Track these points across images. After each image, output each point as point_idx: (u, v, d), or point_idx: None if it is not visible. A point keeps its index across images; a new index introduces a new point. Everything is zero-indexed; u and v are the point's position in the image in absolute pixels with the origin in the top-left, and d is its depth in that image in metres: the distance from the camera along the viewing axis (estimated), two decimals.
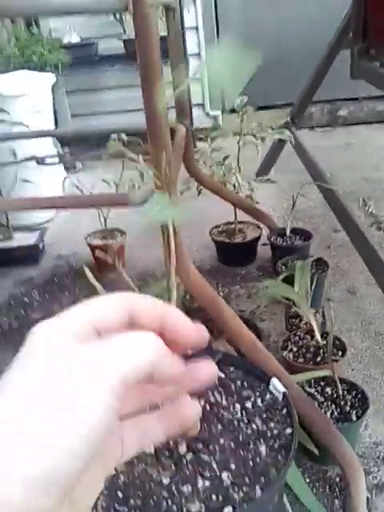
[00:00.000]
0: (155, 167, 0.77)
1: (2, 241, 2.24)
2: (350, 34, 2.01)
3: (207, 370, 0.36)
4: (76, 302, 0.35)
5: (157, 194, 0.58)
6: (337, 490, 1.18)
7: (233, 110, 1.84)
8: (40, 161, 1.64)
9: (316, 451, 1.12)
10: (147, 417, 0.38)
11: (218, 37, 3.53)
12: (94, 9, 0.93)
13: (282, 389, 0.91)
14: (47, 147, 2.42)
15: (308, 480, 1.20)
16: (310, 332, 1.41)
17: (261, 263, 2.08)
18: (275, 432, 0.85)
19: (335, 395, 1.22)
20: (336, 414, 1.19)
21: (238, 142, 1.80)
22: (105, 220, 2.05)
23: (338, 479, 1.20)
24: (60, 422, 0.28)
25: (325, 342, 1.37)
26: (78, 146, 3.33)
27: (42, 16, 2.72)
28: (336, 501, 1.16)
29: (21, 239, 2.26)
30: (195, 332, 0.36)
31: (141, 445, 0.37)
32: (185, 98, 1.50)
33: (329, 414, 1.19)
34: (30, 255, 2.22)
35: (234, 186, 1.85)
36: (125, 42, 3.17)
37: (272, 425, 0.86)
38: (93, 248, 2.10)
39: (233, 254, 2.06)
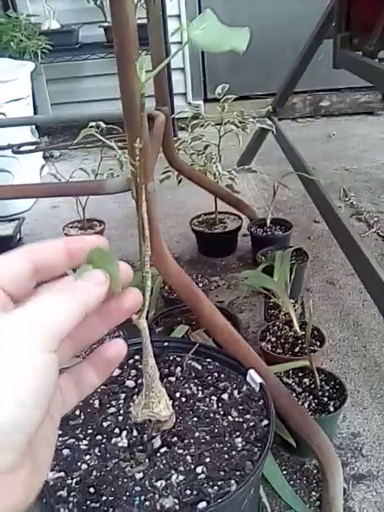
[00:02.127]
0: (130, 155, 0.75)
1: None
2: (333, 23, 2.00)
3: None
4: None
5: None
6: (314, 481, 1.18)
7: (215, 99, 1.82)
8: (15, 149, 1.60)
9: (293, 443, 1.11)
10: (80, 365, 0.41)
11: None
12: None
13: (258, 380, 0.89)
14: (26, 136, 2.37)
15: (285, 472, 1.19)
16: (289, 323, 1.40)
17: (241, 254, 2.06)
18: (251, 424, 0.84)
19: (313, 386, 1.21)
20: (314, 405, 1.19)
21: (219, 131, 1.78)
22: (83, 210, 2.02)
23: (315, 471, 1.20)
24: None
25: (303, 333, 1.36)
26: (57, 135, 3.29)
27: None
28: (313, 493, 1.15)
29: None
30: (94, 239, 0.42)
31: (80, 394, 0.40)
32: (164, 86, 1.47)
33: (306, 405, 1.18)
34: (6, 246, 2.17)
35: (215, 175, 1.83)
36: (106, 29, 3.12)
37: (248, 416, 0.85)
38: None
39: (213, 245, 2.04)
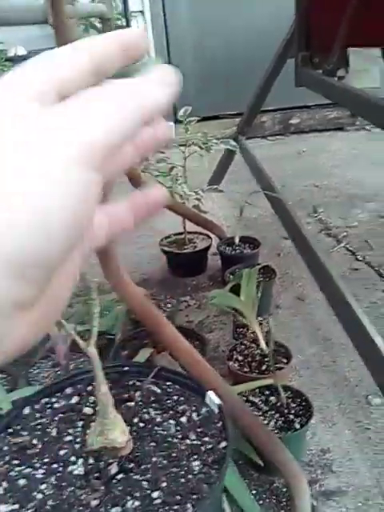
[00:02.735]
0: None
1: None
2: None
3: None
4: None
5: None
6: (283, 500, 1.17)
7: (178, 121, 1.84)
8: None
9: (260, 462, 1.11)
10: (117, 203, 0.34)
11: (168, 49, 3.53)
12: (15, 20, 0.91)
13: (217, 401, 0.89)
14: None
15: (254, 491, 1.19)
16: (256, 341, 1.41)
17: (211, 273, 2.07)
18: (209, 446, 0.84)
19: (279, 404, 1.21)
20: (280, 422, 1.19)
21: (184, 152, 1.79)
22: None
23: (284, 489, 1.19)
24: (30, 198, 0.24)
25: (272, 350, 1.37)
26: None
27: None
28: (282, 511, 1.15)
29: None
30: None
31: (106, 236, 0.33)
32: None
33: (273, 423, 1.18)
34: None
35: (181, 196, 1.84)
36: None
37: (206, 439, 0.85)
38: None
39: (183, 265, 2.05)
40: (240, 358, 1.37)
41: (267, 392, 1.25)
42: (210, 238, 2.08)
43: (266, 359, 1.36)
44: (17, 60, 2.89)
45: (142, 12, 3.27)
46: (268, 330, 1.44)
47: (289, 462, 1.06)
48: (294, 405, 1.22)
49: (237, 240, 1.97)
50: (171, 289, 1.98)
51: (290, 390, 1.24)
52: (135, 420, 0.89)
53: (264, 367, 1.34)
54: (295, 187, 2.82)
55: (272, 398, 1.24)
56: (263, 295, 1.55)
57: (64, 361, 1.32)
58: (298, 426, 1.17)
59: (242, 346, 1.41)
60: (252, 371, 1.33)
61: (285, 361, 1.35)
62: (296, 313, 1.79)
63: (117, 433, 0.81)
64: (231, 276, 1.74)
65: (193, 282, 2.03)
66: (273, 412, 1.21)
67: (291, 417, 1.20)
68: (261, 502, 1.17)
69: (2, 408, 1.17)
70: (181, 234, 2.06)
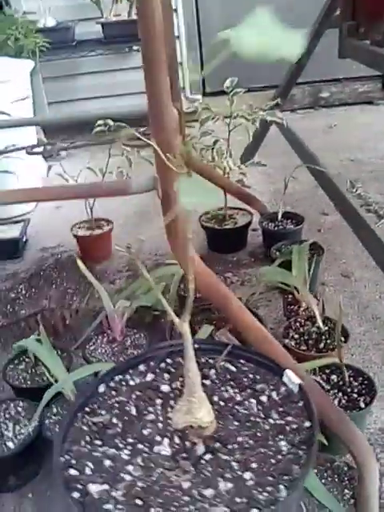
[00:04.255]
0: (163, 152, 0.72)
1: None
2: (337, 12, 1.97)
3: None
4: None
5: (185, 178, 0.54)
6: (346, 479, 1.16)
7: (214, 93, 1.79)
8: (29, 150, 1.57)
9: (325, 441, 1.09)
10: None
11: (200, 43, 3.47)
12: None
13: (297, 380, 0.87)
14: (29, 136, 2.34)
15: (315, 470, 1.18)
16: (311, 318, 1.38)
17: (252, 249, 2.04)
18: (294, 426, 0.81)
19: (341, 383, 1.19)
20: (344, 401, 1.17)
21: (229, 125, 1.75)
22: (91, 209, 1.99)
23: (345, 468, 1.18)
24: None
25: (326, 328, 1.35)
26: (54, 135, 3.25)
27: None
28: (346, 490, 1.14)
29: (2, 232, 2.18)
30: None
31: None
32: (176, 81, 1.44)
33: (336, 402, 1.16)
34: (13, 248, 2.14)
35: (224, 170, 1.81)
36: (103, 25, 3.08)
37: (290, 419, 0.83)
38: (79, 239, 2.05)
39: (223, 241, 2.02)
40: (296, 335, 1.35)
41: (327, 370, 1.23)
42: (250, 213, 2.05)
43: (322, 337, 1.33)
44: (46, 31, 2.84)
45: (175, 10, 3.20)
46: (323, 307, 1.42)
47: (359, 440, 1.04)
48: (356, 383, 1.20)
49: (279, 215, 1.93)
50: (212, 265, 1.93)
51: (350, 369, 1.22)
52: (215, 398, 0.87)
53: (321, 345, 1.31)
54: (329, 162, 2.75)
55: (333, 377, 1.22)
56: (312, 273, 1.52)
57: (120, 337, 1.31)
58: (362, 405, 1.15)
59: (297, 324, 1.39)
60: (309, 349, 1.30)
61: (343, 339, 1.32)
62: (342, 290, 1.76)
63: (203, 412, 0.79)
64: (278, 252, 1.71)
65: (233, 258, 2.00)
66: (336, 391, 1.19)
67: (354, 395, 1.18)
68: (323, 480, 1.16)
69: (65, 388, 1.16)
70: (221, 209, 2.03)
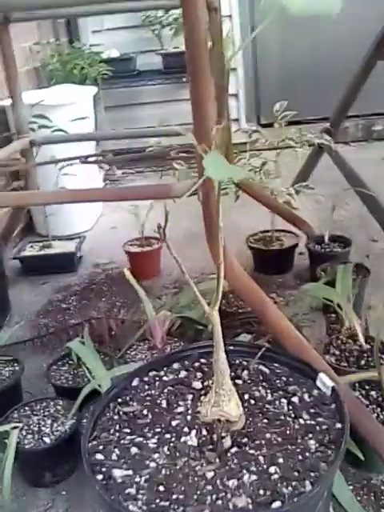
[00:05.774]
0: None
1: (43, 249, 2.27)
2: None
3: None
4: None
5: (211, 154, 0.57)
6: (382, 497, 1.13)
7: (267, 125, 1.83)
8: (82, 159, 1.65)
9: (361, 456, 1.07)
10: None
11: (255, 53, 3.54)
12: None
13: (330, 384, 0.87)
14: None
15: (351, 487, 1.15)
16: (353, 336, 1.37)
17: (298, 271, 2.04)
18: (324, 427, 0.81)
19: (381, 399, 1.17)
20: (381, 417, 1.14)
21: (277, 147, 1.78)
22: (142, 227, 2.05)
23: (382, 487, 1.15)
24: None
25: (369, 347, 1.33)
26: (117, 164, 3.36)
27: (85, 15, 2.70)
28: (382, 510, 1.11)
29: (60, 247, 2.28)
30: None
31: None
32: (225, 100, 1.49)
33: (374, 417, 1.14)
34: (68, 263, 2.23)
35: (272, 192, 1.83)
36: (163, 56, 3.21)
37: (321, 419, 0.83)
38: (130, 255, 2.11)
39: (270, 262, 2.03)
40: (337, 352, 1.34)
41: (367, 386, 1.21)
42: (297, 235, 2.05)
43: (364, 354, 1.31)
44: (110, 62, 2.99)
45: (230, 16, 3.29)
46: (366, 327, 1.40)
47: None
48: None
49: (326, 238, 1.93)
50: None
51: None
52: (246, 397, 0.88)
53: (362, 362, 1.29)
54: (381, 190, 2.74)
55: (373, 393, 1.19)
56: (357, 294, 1.51)
57: (161, 344, 1.33)
58: None
59: (338, 341, 1.38)
60: (350, 366, 1.29)
61: (383, 356, 1.30)
62: None
63: (232, 405, 0.81)
64: (323, 272, 1.71)
65: (279, 280, 2.00)
66: (374, 406, 1.16)
67: None
68: (358, 498, 1.13)
69: (102, 385, 1.18)
70: (267, 231, 2.04)
